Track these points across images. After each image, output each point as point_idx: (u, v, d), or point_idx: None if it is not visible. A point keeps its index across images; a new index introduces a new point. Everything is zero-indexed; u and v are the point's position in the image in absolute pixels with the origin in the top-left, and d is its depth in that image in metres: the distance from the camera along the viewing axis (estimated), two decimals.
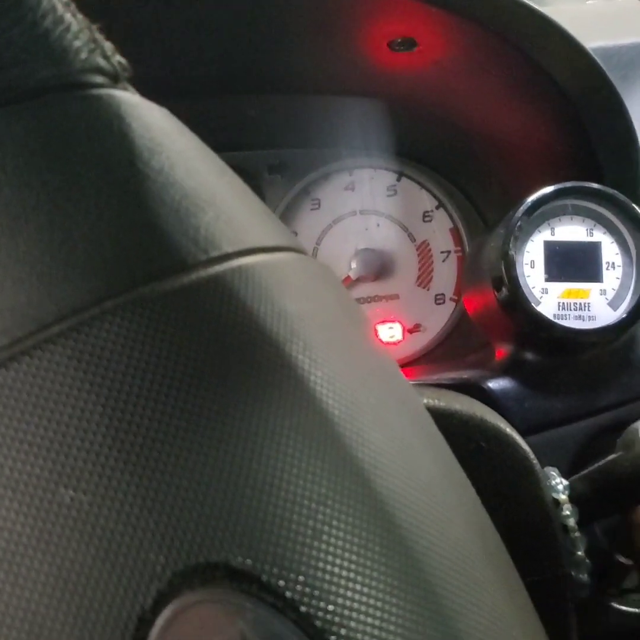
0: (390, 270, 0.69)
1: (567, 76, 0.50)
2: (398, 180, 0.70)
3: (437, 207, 0.69)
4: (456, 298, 0.68)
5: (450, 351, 0.68)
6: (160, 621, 0.16)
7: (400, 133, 0.65)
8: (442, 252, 0.69)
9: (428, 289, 0.69)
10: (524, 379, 0.47)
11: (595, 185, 0.49)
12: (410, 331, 0.68)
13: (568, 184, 0.49)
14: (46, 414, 0.16)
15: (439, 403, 0.29)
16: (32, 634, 0.15)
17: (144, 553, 0.16)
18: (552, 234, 0.49)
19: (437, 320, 0.69)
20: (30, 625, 0.16)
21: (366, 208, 0.69)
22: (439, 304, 0.69)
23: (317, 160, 0.69)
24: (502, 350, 0.50)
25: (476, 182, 0.68)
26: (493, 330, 0.53)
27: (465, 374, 0.49)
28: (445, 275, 0.69)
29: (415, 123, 0.64)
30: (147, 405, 0.17)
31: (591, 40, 0.51)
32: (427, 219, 0.70)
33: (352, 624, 0.16)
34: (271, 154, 0.68)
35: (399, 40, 0.49)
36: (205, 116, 0.57)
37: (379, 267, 0.68)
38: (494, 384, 0.46)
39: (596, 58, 0.49)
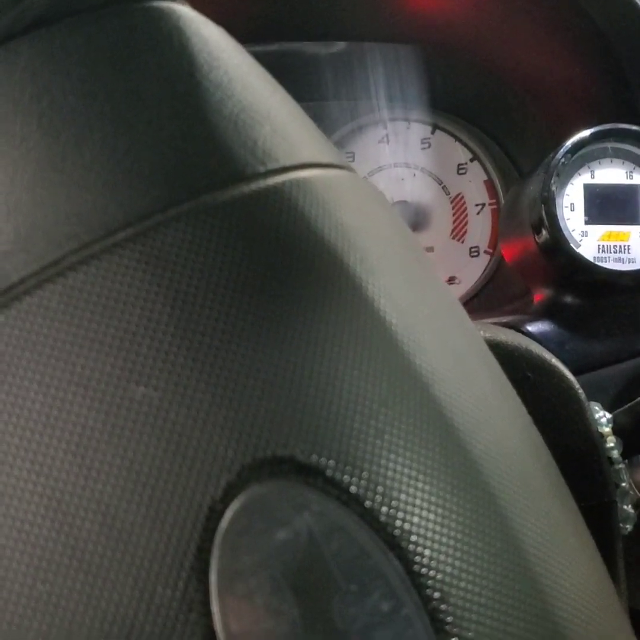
0: (425, 223, 0.69)
1: (606, 17, 0.49)
2: (432, 132, 0.69)
3: (471, 160, 0.69)
4: (491, 251, 0.68)
5: (486, 303, 0.68)
6: (229, 512, 0.16)
7: (434, 84, 0.65)
8: (476, 205, 0.69)
9: (462, 242, 0.69)
10: (564, 322, 0.46)
11: (634, 128, 0.48)
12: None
13: (607, 126, 0.48)
14: (116, 314, 0.17)
15: (485, 334, 0.30)
16: (105, 525, 0.16)
17: (214, 446, 0.16)
18: (592, 177, 0.48)
19: (471, 272, 0.68)
20: (104, 516, 0.16)
21: (400, 161, 0.69)
22: (474, 256, 0.69)
23: (350, 112, 0.68)
24: (541, 295, 0.50)
25: (511, 134, 0.67)
26: (532, 275, 0.52)
27: (503, 319, 0.49)
28: (480, 227, 0.69)
29: (450, 72, 0.63)
30: (212, 306, 0.17)
31: None
32: (461, 171, 0.69)
33: (415, 519, 0.17)
34: (304, 107, 0.67)
35: None
36: None
37: (414, 220, 0.68)
38: (534, 327, 0.46)
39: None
